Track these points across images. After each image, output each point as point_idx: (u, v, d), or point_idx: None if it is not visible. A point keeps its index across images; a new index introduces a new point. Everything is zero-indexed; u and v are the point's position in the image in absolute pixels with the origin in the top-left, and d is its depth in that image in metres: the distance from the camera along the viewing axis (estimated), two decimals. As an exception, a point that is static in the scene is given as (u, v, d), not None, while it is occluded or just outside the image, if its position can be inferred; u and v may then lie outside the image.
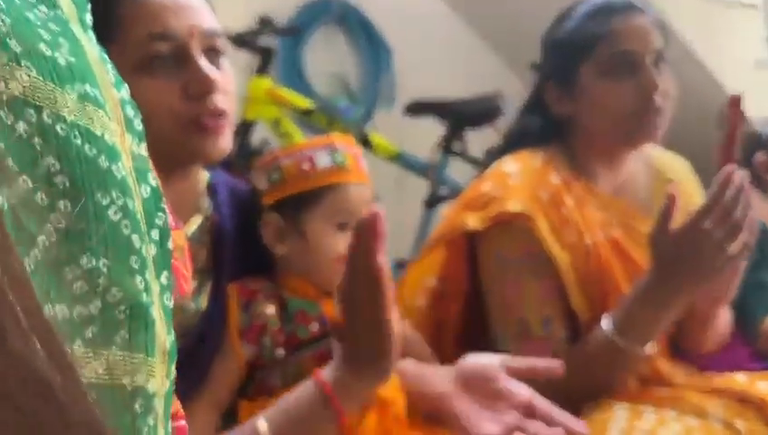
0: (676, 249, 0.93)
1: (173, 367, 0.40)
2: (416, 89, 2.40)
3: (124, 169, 0.35)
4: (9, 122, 0.30)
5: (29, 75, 0.31)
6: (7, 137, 0.30)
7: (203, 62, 0.77)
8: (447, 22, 2.82)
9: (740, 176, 0.91)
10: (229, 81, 0.81)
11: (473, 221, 1.07)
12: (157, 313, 0.37)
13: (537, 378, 0.76)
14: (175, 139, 0.77)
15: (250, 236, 0.87)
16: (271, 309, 0.84)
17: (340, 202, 0.86)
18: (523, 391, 0.79)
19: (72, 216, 0.32)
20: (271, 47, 2.16)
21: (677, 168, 1.18)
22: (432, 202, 2.23)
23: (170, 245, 0.40)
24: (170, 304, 0.40)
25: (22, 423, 0.23)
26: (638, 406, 1.01)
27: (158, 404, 0.37)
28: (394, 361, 0.73)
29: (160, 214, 0.39)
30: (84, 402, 0.26)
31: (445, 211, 1.32)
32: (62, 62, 0.33)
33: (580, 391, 1.00)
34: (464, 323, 1.14)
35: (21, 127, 0.30)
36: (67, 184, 0.32)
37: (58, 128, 0.32)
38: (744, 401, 1.03)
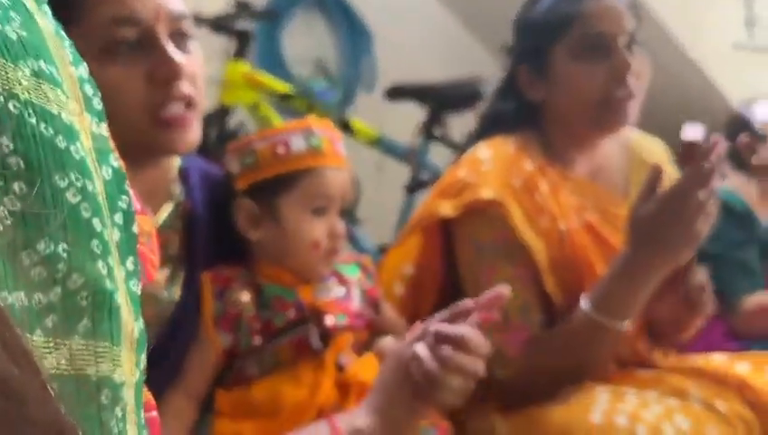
0: (658, 216, 0.93)
1: (143, 356, 0.39)
2: (396, 73, 2.39)
3: (83, 149, 0.33)
4: None
5: None
6: None
7: (169, 47, 0.75)
8: (428, 5, 2.80)
9: (723, 146, 0.91)
10: (197, 66, 0.78)
11: (447, 208, 1.07)
12: (122, 299, 0.36)
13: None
14: (141, 130, 0.75)
15: (224, 221, 0.86)
16: (246, 296, 0.83)
17: (316, 186, 0.84)
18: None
19: (27, 199, 0.30)
20: (248, 31, 2.13)
21: (654, 150, 1.18)
22: (413, 187, 2.22)
23: (135, 229, 0.39)
24: (137, 290, 0.39)
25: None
26: (619, 388, 1.02)
27: (127, 395, 0.36)
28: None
29: (123, 196, 0.38)
30: (45, 396, 0.24)
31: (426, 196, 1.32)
32: (12, 36, 0.31)
33: (561, 374, 1.01)
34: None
35: (-32, 105, 0.29)
36: (22, 165, 0.30)
37: (11, 106, 0.30)
38: (723, 382, 1.03)
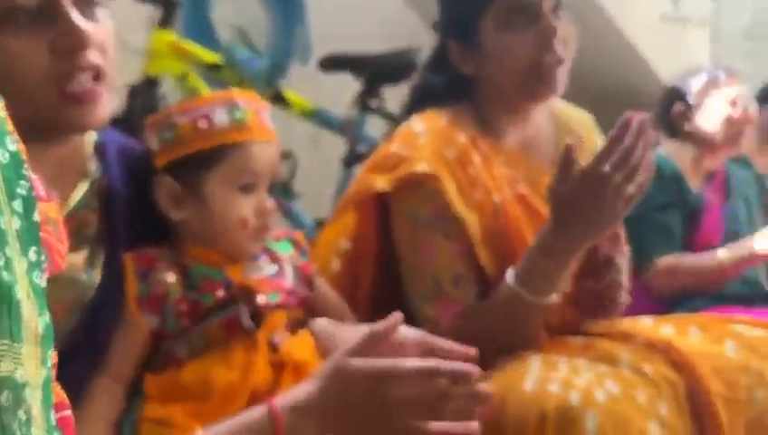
0: (576, 195, 0.94)
1: (50, 352, 0.37)
2: (332, 43, 2.34)
3: None
4: None
5: None
6: None
7: (74, 14, 0.70)
8: (362, -26, 2.76)
9: (639, 120, 0.92)
10: (106, 34, 0.73)
11: (382, 183, 1.07)
12: (23, 293, 0.33)
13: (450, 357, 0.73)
14: (46, 105, 0.70)
15: (145, 199, 0.82)
16: (171, 277, 0.80)
17: (243, 162, 0.81)
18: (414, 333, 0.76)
19: None
20: (174, -2, 2.05)
21: (582, 121, 1.20)
22: (350, 160, 2.20)
23: (37, 216, 0.36)
24: (42, 282, 0.36)
25: None
26: (551, 357, 1.04)
27: (32, 395, 0.33)
28: None
29: (23, 182, 0.35)
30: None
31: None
32: None
33: (492, 345, 1.01)
34: (377, 285, 1.13)
35: None
36: None
37: None
38: (650, 345, 1.06)
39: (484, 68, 1.09)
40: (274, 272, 0.86)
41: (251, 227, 0.83)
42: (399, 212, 1.08)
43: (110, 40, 0.74)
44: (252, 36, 2.37)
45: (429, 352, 0.72)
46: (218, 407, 0.76)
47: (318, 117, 2.25)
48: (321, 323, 0.86)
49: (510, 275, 1.01)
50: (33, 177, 0.38)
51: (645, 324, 1.17)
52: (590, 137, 1.18)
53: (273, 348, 0.81)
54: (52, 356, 0.38)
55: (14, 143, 0.35)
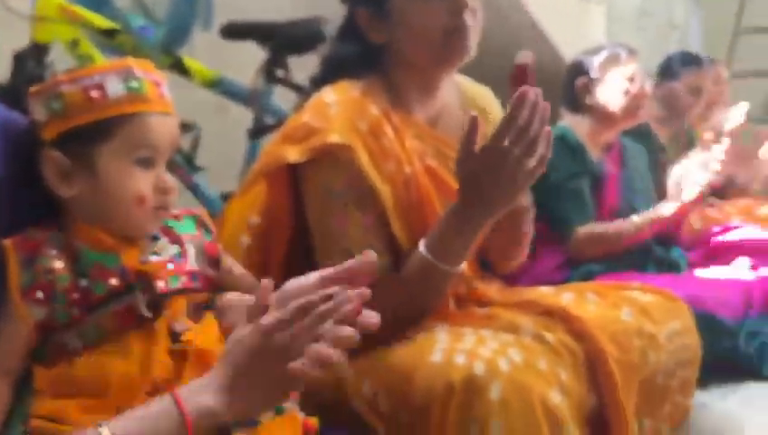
0: (479, 171, 0.95)
1: None
2: (237, 10, 2.24)
3: None
4: None
5: None
6: None
7: None
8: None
9: (534, 93, 0.93)
10: None
11: (294, 154, 1.05)
12: None
13: (354, 282, 0.71)
14: None
15: (30, 177, 0.75)
16: (59, 264, 0.73)
17: (139, 135, 0.75)
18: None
19: None
20: (62, -42, 1.90)
21: (486, 97, 1.22)
22: (257, 132, 2.12)
23: None
24: None
25: None
26: (458, 329, 1.05)
27: None
28: None
29: None
30: None
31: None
32: None
33: (405, 313, 1.03)
34: (289, 258, 1.11)
35: None
36: None
37: None
38: (550, 313, 1.10)
39: (396, 36, 1.09)
40: (175, 253, 0.81)
41: (149, 204, 0.77)
42: (312, 184, 1.06)
43: None
44: (152, 0, 2.24)
45: (330, 283, 0.69)
46: (115, 401, 0.71)
47: (221, 87, 2.15)
48: (229, 296, 0.82)
49: (422, 245, 1.02)
50: None
51: (546, 293, 1.22)
52: (493, 112, 1.21)
53: (174, 337, 0.76)
54: None
55: None
